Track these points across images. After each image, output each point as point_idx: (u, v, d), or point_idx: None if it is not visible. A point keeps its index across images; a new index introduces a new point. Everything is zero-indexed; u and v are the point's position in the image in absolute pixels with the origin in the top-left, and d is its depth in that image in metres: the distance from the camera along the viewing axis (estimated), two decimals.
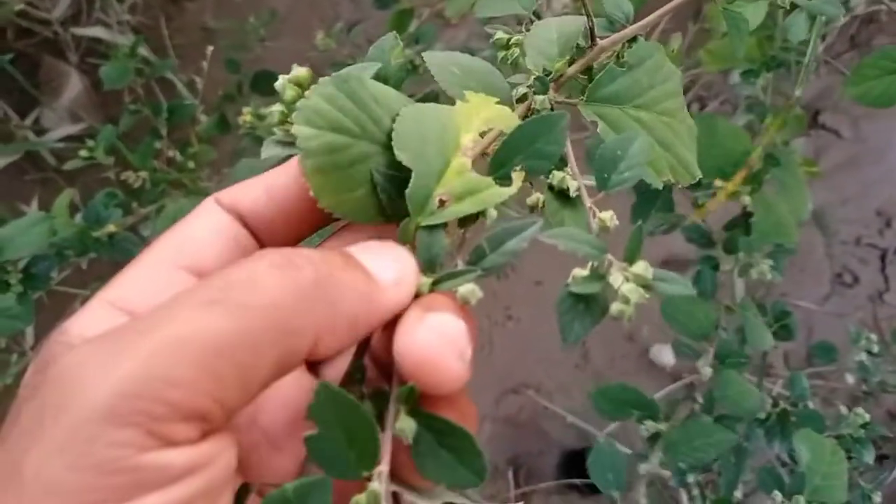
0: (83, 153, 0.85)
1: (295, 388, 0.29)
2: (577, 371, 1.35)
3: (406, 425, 0.26)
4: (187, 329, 0.21)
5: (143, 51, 1.09)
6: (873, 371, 0.89)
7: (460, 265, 0.28)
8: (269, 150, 0.31)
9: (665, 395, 1.17)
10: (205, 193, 1.03)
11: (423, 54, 0.33)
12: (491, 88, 0.33)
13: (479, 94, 0.32)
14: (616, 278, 0.29)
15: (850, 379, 1.01)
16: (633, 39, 0.40)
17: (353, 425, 0.24)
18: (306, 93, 0.29)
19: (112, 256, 0.79)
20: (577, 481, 1.26)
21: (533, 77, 0.35)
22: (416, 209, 0.28)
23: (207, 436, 0.22)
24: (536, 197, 0.32)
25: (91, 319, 0.25)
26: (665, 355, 1.35)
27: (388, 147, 0.29)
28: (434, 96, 0.82)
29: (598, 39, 0.38)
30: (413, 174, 0.28)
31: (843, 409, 0.76)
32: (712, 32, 1.00)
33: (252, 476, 0.26)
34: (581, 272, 0.30)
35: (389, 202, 0.29)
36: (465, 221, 0.30)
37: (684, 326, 0.87)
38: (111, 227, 0.78)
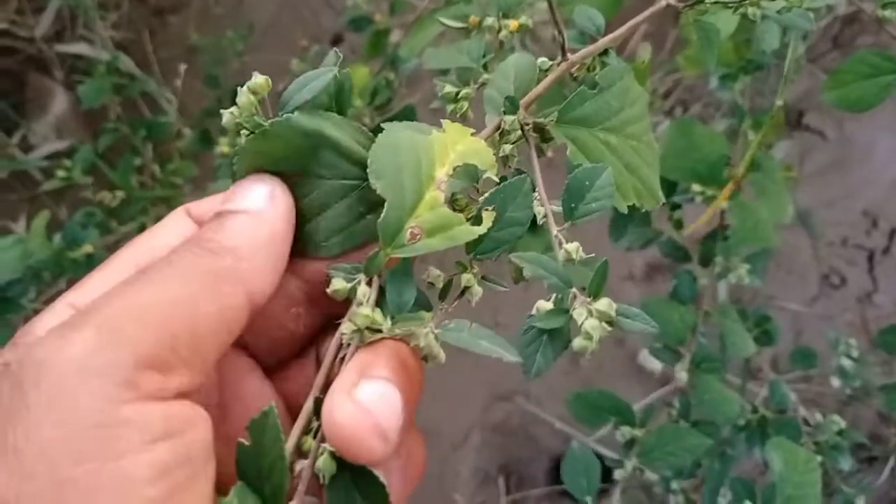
0: (60, 174, 0.86)
1: (257, 396, 0.31)
2: (565, 377, 1.35)
3: (325, 467, 0.26)
4: (130, 299, 0.24)
5: (127, 65, 1.10)
6: (854, 376, 0.89)
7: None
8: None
9: (652, 401, 1.17)
10: None
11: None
12: None
13: (456, 123, 0.32)
14: (580, 313, 0.29)
15: (836, 382, 1.01)
16: (605, 52, 0.40)
17: (269, 479, 0.25)
18: (241, 142, 0.30)
19: None
20: (567, 487, 1.25)
21: (504, 98, 0.35)
22: (387, 240, 0.28)
23: (180, 398, 0.24)
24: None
25: (53, 319, 0.26)
26: (653, 360, 1.34)
27: (318, 175, 0.30)
28: (410, 111, 0.82)
29: (568, 54, 0.37)
30: (386, 205, 0.28)
31: (819, 416, 0.75)
32: (689, 38, 1.00)
33: (220, 485, 0.26)
34: (545, 305, 0.30)
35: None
36: (445, 294, 0.31)
37: (661, 331, 0.86)
38: (88, 248, 0.79)
